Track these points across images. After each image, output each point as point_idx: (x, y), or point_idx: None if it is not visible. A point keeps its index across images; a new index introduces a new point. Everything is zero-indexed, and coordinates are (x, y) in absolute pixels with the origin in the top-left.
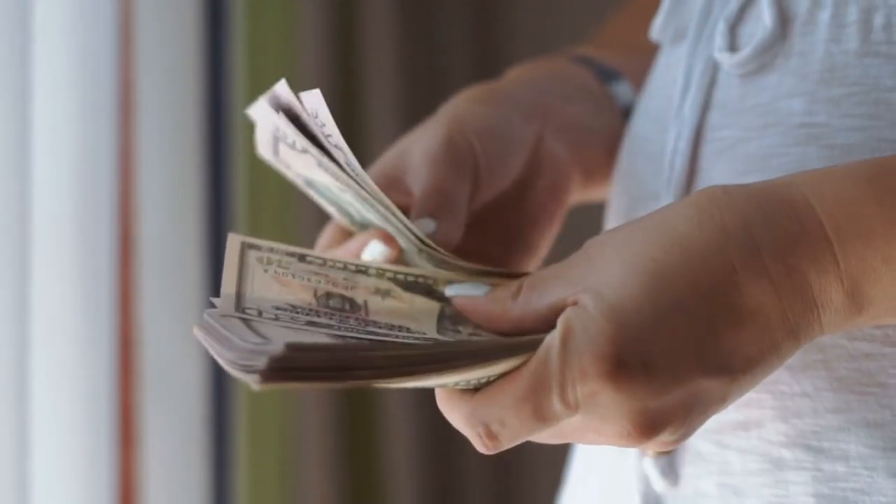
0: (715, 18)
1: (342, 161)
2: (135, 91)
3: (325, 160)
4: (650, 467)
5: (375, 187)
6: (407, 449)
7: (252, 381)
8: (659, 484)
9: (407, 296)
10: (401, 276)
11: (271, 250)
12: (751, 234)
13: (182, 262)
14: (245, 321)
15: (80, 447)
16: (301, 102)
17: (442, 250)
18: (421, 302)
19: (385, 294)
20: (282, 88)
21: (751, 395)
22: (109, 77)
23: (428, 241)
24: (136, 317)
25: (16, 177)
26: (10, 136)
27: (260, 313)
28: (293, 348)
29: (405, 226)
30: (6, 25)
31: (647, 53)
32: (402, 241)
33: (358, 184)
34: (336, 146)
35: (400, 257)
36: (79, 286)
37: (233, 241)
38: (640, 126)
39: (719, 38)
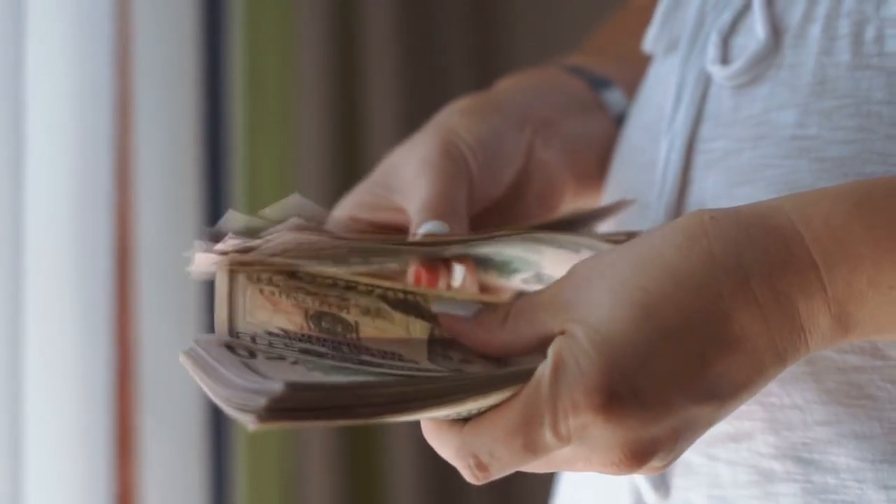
0: (708, 30)
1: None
2: (132, 94)
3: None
4: (641, 480)
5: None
6: (408, 450)
7: (248, 422)
8: (650, 496)
9: (397, 315)
10: (390, 294)
11: (261, 265)
12: (739, 263)
13: (180, 266)
14: (239, 357)
15: (76, 454)
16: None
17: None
18: (410, 322)
19: (375, 314)
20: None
21: (741, 408)
22: (106, 78)
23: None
24: (133, 322)
25: (10, 180)
26: (5, 138)
27: (253, 339)
28: (293, 387)
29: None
30: (0, 25)
31: (640, 59)
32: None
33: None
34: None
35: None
36: (75, 291)
37: (221, 264)
38: (633, 136)
39: (712, 50)
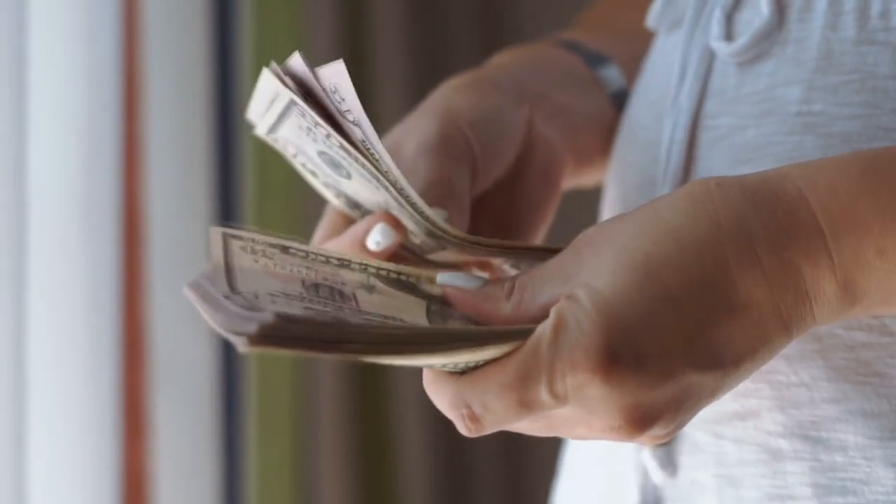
0: (711, 6)
1: (359, 137)
2: (142, 81)
3: (337, 136)
4: (648, 459)
5: (394, 166)
6: (418, 432)
7: (239, 344)
8: (657, 475)
9: (392, 291)
10: (383, 272)
11: (253, 241)
12: (744, 228)
13: (189, 249)
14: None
15: (85, 435)
16: (317, 77)
17: (456, 232)
18: (407, 298)
19: (371, 289)
20: (296, 62)
21: (748, 385)
22: (114, 61)
23: (444, 226)
24: (143, 302)
25: (16, 164)
26: (10, 122)
27: (256, 297)
28: (283, 318)
29: (417, 208)
30: (5, 13)
31: (637, 35)
32: (410, 224)
33: (372, 162)
34: (354, 122)
35: (405, 242)
36: (83, 272)
37: (214, 234)
38: (637, 114)
39: (716, 26)
